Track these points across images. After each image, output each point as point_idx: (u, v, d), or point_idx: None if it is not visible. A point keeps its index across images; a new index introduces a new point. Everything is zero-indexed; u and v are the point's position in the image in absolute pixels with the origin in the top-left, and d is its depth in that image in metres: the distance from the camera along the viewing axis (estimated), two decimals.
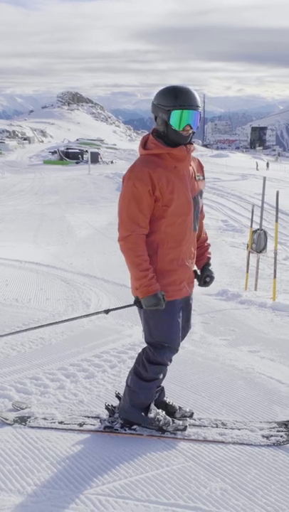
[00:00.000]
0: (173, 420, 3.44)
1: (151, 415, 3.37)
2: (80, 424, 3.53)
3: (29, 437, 3.38)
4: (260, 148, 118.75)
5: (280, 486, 2.90)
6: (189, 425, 3.49)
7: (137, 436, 3.37)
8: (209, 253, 3.55)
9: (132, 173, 3.06)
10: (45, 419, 3.62)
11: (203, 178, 3.33)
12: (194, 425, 3.52)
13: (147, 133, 3.23)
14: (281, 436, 3.36)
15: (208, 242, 3.59)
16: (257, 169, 41.89)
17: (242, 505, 2.73)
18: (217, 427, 3.51)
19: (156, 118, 3.08)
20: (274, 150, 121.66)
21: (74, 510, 2.69)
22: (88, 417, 3.65)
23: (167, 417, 3.43)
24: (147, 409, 3.36)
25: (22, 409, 3.79)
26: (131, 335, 5.57)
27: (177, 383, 4.23)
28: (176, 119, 2.98)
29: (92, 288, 8.12)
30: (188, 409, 3.65)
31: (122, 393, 3.48)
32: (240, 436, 3.37)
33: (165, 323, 3.22)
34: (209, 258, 3.53)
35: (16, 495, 2.81)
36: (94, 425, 3.51)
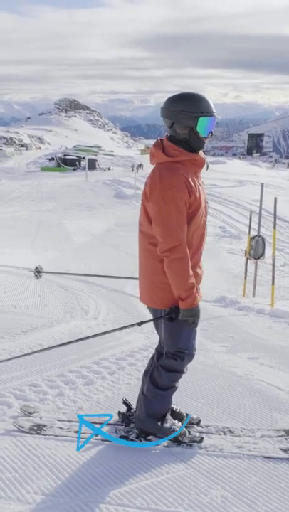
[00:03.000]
0: (189, 431, 3.42)
1: (167, 425, 3.35)
2: (96, 434, 3.49)
3: (28, 444, 3.36)
4: (257, 154, 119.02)
5: (281, 494, 2.89)
6: (195, 432, 3.48)
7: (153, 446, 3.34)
8: None
9: (168, 183, 2.96)
10: (61, 428, 3.58)
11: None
12: (202, 432, 3.51)
13: (158, 139, 3.16)
14: None
15: None
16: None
17: None
18: (224, 434, 3.50)
19: (172, 124, 3.03)
20: (271, 157, 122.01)
21: None
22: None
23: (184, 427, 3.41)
24: (163, 419, 3.34)
25: (30, 413, 3.77)
26: (130, 341, 5.56)
27: (176, 390, 4.21)
28: (204, 125, 3.00)
29: (90, 294, 8.11)
30: (195, 417, 3.64)
31: (128, 400, 3.46)
32: (257, 450, 3.31)
33: (188, 331, 3.22)
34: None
35: (15, 502, 2.80)
36: (84, 433, 3.48)
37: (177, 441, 3.35)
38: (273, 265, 8.20)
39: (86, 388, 4.31)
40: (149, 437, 3.36)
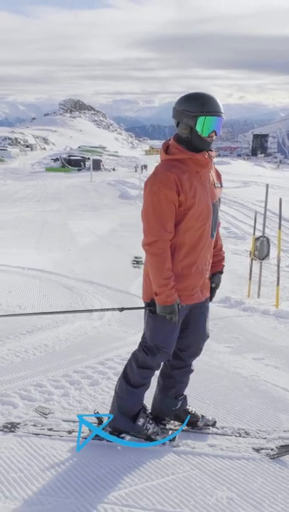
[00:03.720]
0: (162, 429, 3.44)
1: (139, 423, 3.37)
2: (69, 432, 3.53)
3: (34, 445, 3.36)
4: (262, 155, 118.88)
5: (287, 495, 2.87)
6: (212, 434, 3.48)
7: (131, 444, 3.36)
8: (224, 262, 3.57)
9: (157, 178, 3.02)
10: (35, 426, 3.62)
11: (221, 186, 3.31)
12: (217, 434, 3.51)
13: (169, 139, 3.22)
14: None
15: (223, 250, 3.60)
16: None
17: None
18: (240, 436, 3.49)
19: (178, 124, 3.07)
20: (275, 157, 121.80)
21: None
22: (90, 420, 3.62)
23: (156, 425, 3.43)
24: (136, 417, 3.36)
25: (45, 414, 3.78)
26: (135, 342, 5.51)
27: (186, 391, 4.21)
28: (202, 125, 2.98)
29: (94, 295, 8.12)
30: (210, 418, 3.63)
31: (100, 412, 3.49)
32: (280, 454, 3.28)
33: (166, 327, 3.21)
34: (223, 267, 3.55)
35: (20, 503, 2.79)
36: (83, 432, 3.50)
37: (150, 438, 3.37)
38: (278, 266, 8.18)
39: (91, 389, 4.31)
40: (122, 435, 3.39)
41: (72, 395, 4.20)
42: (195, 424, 3.56)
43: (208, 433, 3.53)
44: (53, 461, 3.17)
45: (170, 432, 3.46)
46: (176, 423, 3.60)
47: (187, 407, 3.59)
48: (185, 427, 3.55)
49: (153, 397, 3.58)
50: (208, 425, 3.58)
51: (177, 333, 3.28)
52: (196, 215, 3.08)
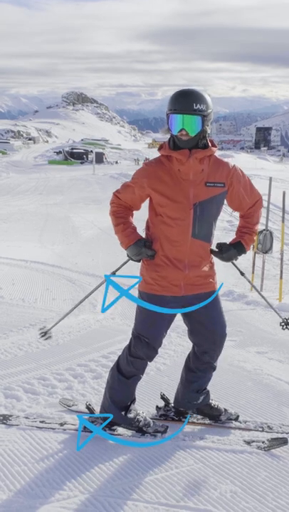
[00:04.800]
0: (154, 422, 3.45)
1: (130, 415, 3.38)
2: (61, 424, 3.54)
3: (38, 438, 3.36)
4: (265, 148, 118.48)
5: None
6: (234, 428, 3.48)
7: (119, 436, 3.39)
8: (242, 237, 3.36)
9: (143, 165, 3.25)
10: (27, 418, 3.65)
11: (222, 186, 3.15)
12: (240, 428, 3.51)
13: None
14: None
15: (249, 228, 3.38)
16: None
17: (252, 508, 2.71)
18: (263, 430, 3.49)
19: None
20: (279, 150, 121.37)
21: None
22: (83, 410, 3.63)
23: (147, 418, 3.45)
24: (127, 409, 3.38)
25: (69, 406, 3.81)
26: None
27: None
28: (170, 122, 3.01)
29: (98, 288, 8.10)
30: (233, 412, 3.64)
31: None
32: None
33: (147, 316, 3.26)
34: (238, 241, 3.35)
35: (24, 496, 2.80)
36: (74, 425, 3.51)
37: (141, 431, 3.38)
38: (281, 259, 8.16)
39: (95, 382, 4.31)
40: (114, 427, 3.41)
41: (75, 388, 4.20)
42: (218, 418, 3.57)
43: (230, 427, 3.53)
44: (56, 455, 3.18)
45: (166, 427, 3.45)
46: (199, 417, 3.62)
47: (210, 401, 3.59)
48: (208, 421, 3.57)
49: (176, 391, 3.60)
50: (230, 419, 3.59)
51: (163, 326, 3.30)
52: (170, 212, 3.11)
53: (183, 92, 2.99)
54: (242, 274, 3.60)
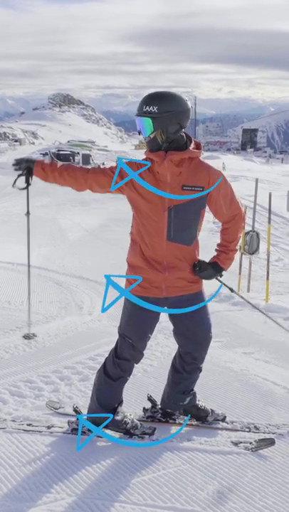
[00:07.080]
0: (141, 424, 3.45)
1: (118, 418, 3.38)
2: (48, 427, 3.53)
3: (24, 441, 3.35)
4: (251, 150, 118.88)
5: (277, 489, 2.89)
6: (221, 429, 3.49)
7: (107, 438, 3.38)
8: (218, 257, 3.37)
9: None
10: (14, 421, 3.63)
11: (200, 190, 3.09)
12: (226, 429, 3.52)
13: None
14: None
15: (225, 246, 3.41)
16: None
17: (239, 508, 2.72)
18: (250, 431, 3.50)
19: None
20: (265, 152, 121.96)
21: None
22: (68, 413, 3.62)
23: (135, 420, 3.45)
24: (114, 411, 3.37)
25: (56, 408, 3.79)
26: None
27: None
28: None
29: (84, 290, 8.08)
30: (220, 413, 3.65)
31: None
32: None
33: (131, 317, 3.28)
34: (214, 261, 3.35)
35: (11, 499, 2.78)
36: (62, 427, 3.50)
37: (129, 433, 3.38)
38: (268, 260, 8.20)
39: (81, 384, 4.30)
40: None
41: (62, 390, 4.19)
42: (205, 419, 3.57)
43: (217, 428, 3.54)
44: (44, 458, 3.17)
45: (154, 428, 3.45)
46: (185, 418, 3.61)
47: (197, 402, 3.59)
48: (195, 422, 3.57)
49: (163, 392, 3.60)
50: (217, 420, 3.59)
51: (146, 327, 3.31)
52: (143, 213, 3.13)
53: (148, 94, 3.06)
54: (232, 290, 3.63)
